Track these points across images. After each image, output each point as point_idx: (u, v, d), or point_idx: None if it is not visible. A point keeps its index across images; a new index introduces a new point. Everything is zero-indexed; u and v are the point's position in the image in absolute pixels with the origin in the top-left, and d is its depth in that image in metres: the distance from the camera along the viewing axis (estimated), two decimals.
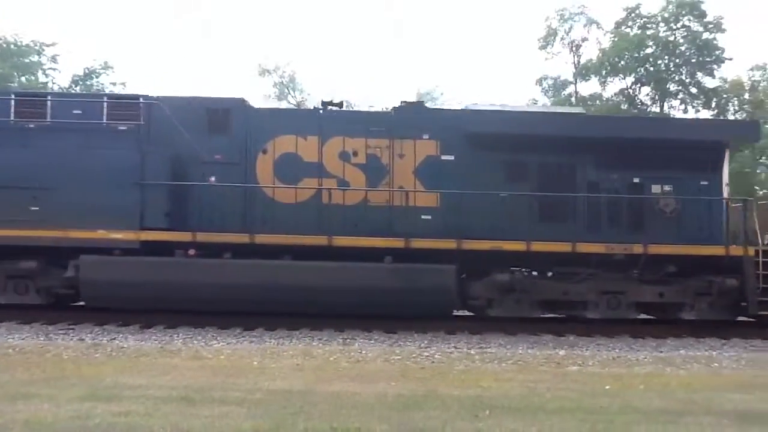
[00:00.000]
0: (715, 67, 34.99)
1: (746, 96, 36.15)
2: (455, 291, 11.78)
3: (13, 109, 11.93)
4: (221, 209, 12.04)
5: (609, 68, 36.28)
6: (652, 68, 35.66)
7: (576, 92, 38.67)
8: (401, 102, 13.12)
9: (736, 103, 35.70)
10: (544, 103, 37.67)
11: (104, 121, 11.83)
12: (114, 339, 10.67)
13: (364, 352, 9.76)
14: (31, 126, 11.87)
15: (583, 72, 37.74)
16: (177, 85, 57.56)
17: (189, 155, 11.94)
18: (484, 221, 11.94)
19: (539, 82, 39.51)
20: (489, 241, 11.79)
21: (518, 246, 11.68)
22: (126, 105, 12.05)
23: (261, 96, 38.09)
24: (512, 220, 11.92)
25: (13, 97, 12.18)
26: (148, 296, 11.62)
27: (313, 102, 26.75)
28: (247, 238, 11.69)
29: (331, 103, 13.05)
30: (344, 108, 13.45)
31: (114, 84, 32.98)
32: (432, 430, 5.57)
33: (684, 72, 35.60)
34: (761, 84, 36.67)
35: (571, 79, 38.91)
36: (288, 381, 7.54)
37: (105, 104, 12.03)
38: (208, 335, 11.14)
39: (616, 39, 36.08)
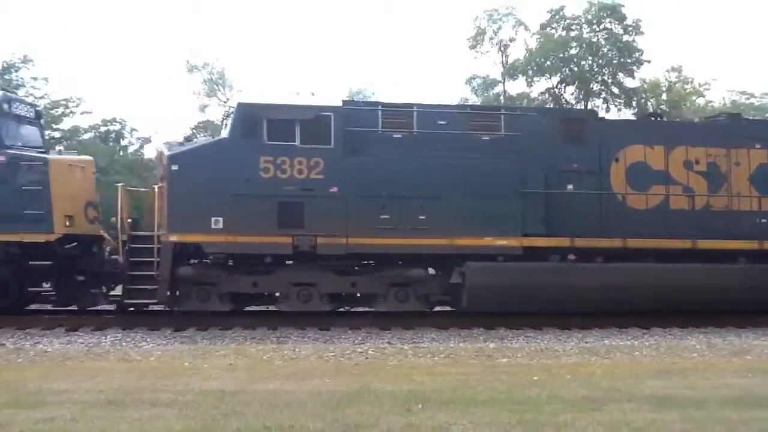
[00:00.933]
0: (634, 68, 36.43)
1: (663, 96, 37.84)
2: None
3: (380, 120, 12.18)
4: (580, 215, 12.30)
5: (535, 68, 37.21)
6: (576, 68, 36.79)
7: (504, 91, 39.46)
8: (721, 115, 14.57)
9: (654, 102, 37.27)
10: (473, 101, 38.31)
11: (468, 131, 12.27)
12: (37, 343, 10.29)
13: (297, 349, 9.74)
14: (398, 136, 12.12)
15: (511, 71, 38.55)
16: (102, 82, 55.63)
17: (550, 163, 12.35)
18: None
19: (469, 81, 40.14)
20: None
21: None
22: (488, 116, 13.01)
23: (189, 93, 37.39)
24: None
25: (380, 108, 12.55)
26: (528, 299, 12.12)
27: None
28: (620, 242, 12.28)
29: (654, 114, 14.16)
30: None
31: (35, 78, 31.57)
32: (366, 426, 5.62)
33: (606, 72, 36.89)
34: (677, 85, 38.47)
35: (499, 78, 39.71)
36: (220, 381, 7.45)
37: (468, 115, 12.86)
38: (137, 337, 10.88)
39: (542, 40, 37.02)
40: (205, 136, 16.58)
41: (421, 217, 11.71)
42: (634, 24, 36.09)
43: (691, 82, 38.82)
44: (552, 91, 38.10)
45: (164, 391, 6.84)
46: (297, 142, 11.64)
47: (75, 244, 11.91)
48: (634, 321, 12.56)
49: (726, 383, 7.54)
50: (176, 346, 10.28)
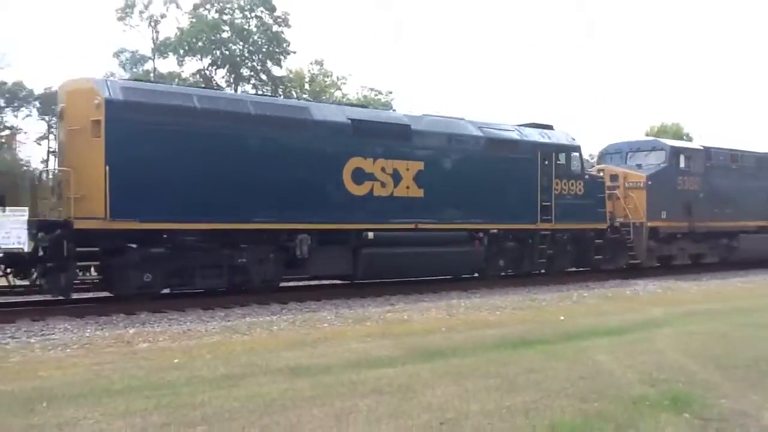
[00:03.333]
0: (282, 57, 38.16)
1: (306, 86, 40.41)
2: None
3: None
4: None
5: (187, 48, 36.59)
6: (227, 52, 37.14)
7: (155, 69, 38.10)
8: None
9: (298, 92, 39.59)
10: (120, 76, 36.20)
11: None
12: None
13: None
14: None
15: (161, 49, 37.34)
16: None
17: None
18: None
19: (117, 55, 37.84)
20: None
21: None
22: None
23: None
24: None
25: None
26: None
27: None
28: None
29: None
30: None
31: None
32: None
33: (256, 59, 37.97)
34: (318, 77, 41.40)
35: (149, 54, 38.17)
36: None
37: None
38: None
39: (194, 20, 36.54)
40: None
41: None
42: (283, 16, 37.75)
43: (331, 76, 42.17)
44: (203, 72, 37.90)
45: None
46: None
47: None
48: (274, 297, 13.25)
49: (350, 348, 8.36)
50: None
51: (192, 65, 37.92)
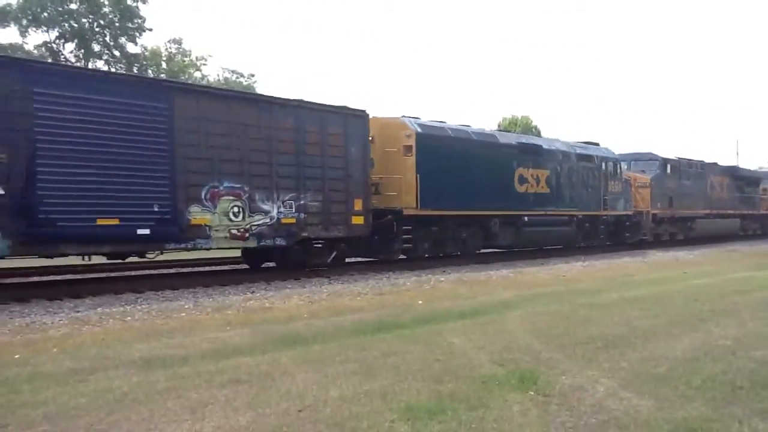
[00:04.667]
0: (137, 34, 36.27)
1: (164, 65, 38.70)
2: None
3: None
4: None
5: (31, 17, 33.92)
6: (76, 25, 34.80)
7: None
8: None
9: (155, 70, 37.83)
10: None
11: None
12: None
13: None
14: None
15: (1, 17, 34.28)
16: None
17: None
18: None
19: None
20: None
21: None
22: None
23: None
24: None
25: None
26: None
27: None
28: None
29: None
30: None
31: None
32: None
33: (108, 34, 35.86)
34: (177, 56, 39.79)
35: None
36: None
37: None
38: None
39: None
40: None
41: None
42: None
43: (190, 55, 40.66)
44: (50, 45, 35.30)
45: None
46: None
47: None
48: (128, 286, 12.68)
49: (208, 338, 8.15)
50: None
51: (37, 37, 35.23)
